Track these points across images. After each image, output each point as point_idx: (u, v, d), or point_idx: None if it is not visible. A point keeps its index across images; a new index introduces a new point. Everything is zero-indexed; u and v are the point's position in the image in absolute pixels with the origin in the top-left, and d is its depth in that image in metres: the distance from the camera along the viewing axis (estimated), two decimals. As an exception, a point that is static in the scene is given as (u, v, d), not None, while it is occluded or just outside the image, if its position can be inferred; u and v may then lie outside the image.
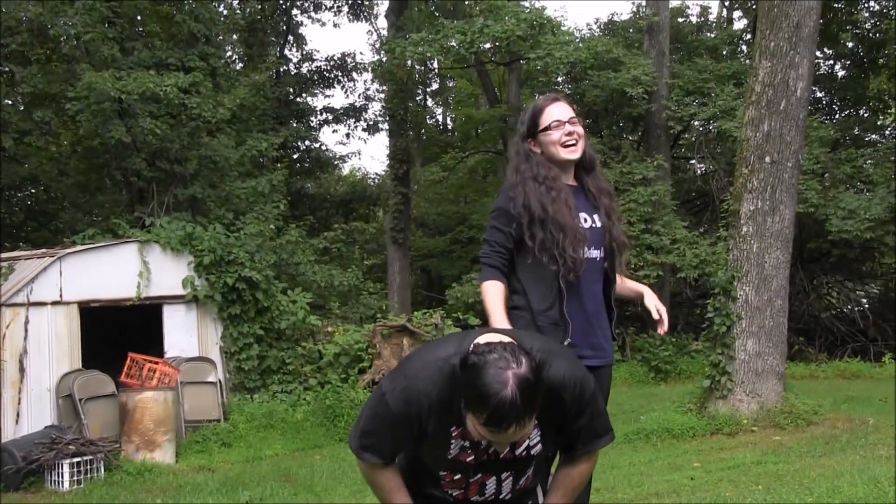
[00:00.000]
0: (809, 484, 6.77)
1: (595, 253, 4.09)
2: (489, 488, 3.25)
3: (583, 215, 4.09)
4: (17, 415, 11.32)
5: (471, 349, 2.94)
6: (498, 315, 3.94)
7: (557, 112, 4.11)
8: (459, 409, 2.96)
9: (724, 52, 24.20)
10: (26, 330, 11.54)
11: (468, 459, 3.15)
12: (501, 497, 3.28)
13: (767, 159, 10.36)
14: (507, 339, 3.03)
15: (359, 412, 3.29)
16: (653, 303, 4.22)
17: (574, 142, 4.10)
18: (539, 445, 3.19)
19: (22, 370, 11.43)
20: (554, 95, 4.27)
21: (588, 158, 4.21)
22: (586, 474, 3.33)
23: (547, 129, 4.10)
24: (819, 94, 23.98)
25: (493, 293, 4.00)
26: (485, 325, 4.02)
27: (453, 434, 3.10)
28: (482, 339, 3.04)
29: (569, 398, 3.06)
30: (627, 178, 19.18)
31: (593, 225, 4.11)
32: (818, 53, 19.93)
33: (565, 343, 3.92)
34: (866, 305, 22.77)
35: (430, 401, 3.01)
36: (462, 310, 16.90)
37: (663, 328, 4.12)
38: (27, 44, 16.46)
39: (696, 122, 21.43)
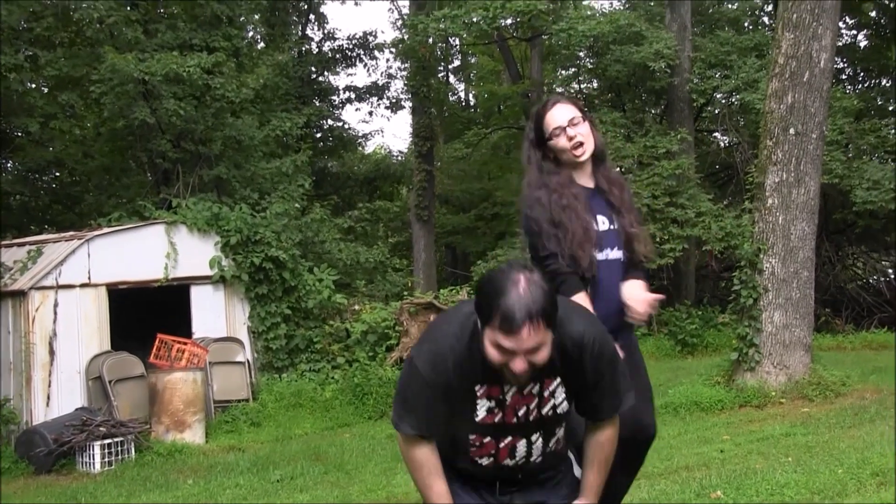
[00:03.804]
0: (839, 455, 6.77)
1: (617, 253, 4.12)
2: (519, 451, 3.30)
3: (601, 218, 4.12)
4: (48, 397, 11.46)
5: None
6: None
7: (557, 118, 4.12)
8: (482, 363, 3.03)
9: (746, 24, 23.98)
10: (55, 313, 11.66)
11: (496, 420, 3.21)
12: (532, 459, 3.33)
13: (792, 131, 10.32)
14: None
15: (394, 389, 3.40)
16: (630, 296, 4.08)
17: (580, 143, 4.11)
18: (564, 403, 3.26)
19: (52, 353, 11.56)
20: (554, 98, 4.27)
21: (598, 150, 4.22)
22: (614, 440, 3.39)
23: (550, 137, 4.13)
24: (841, 65, 23.75)
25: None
26: None
27: (478, 393, 3.17)
28: None
29: (588, 354, 3.15)
30: (651, 152, 19.06)
31: (611, 227, 4.13)
32: (840, 24, 19.68)
33: None
34: (892, 276, 22.60)
35: (455, 355, 3.10)
36: (487, 286, 16.86)
37: (635, 317, 4.04)
38: (52, 28, 16.48)
39: (718, 95, 21.30)
